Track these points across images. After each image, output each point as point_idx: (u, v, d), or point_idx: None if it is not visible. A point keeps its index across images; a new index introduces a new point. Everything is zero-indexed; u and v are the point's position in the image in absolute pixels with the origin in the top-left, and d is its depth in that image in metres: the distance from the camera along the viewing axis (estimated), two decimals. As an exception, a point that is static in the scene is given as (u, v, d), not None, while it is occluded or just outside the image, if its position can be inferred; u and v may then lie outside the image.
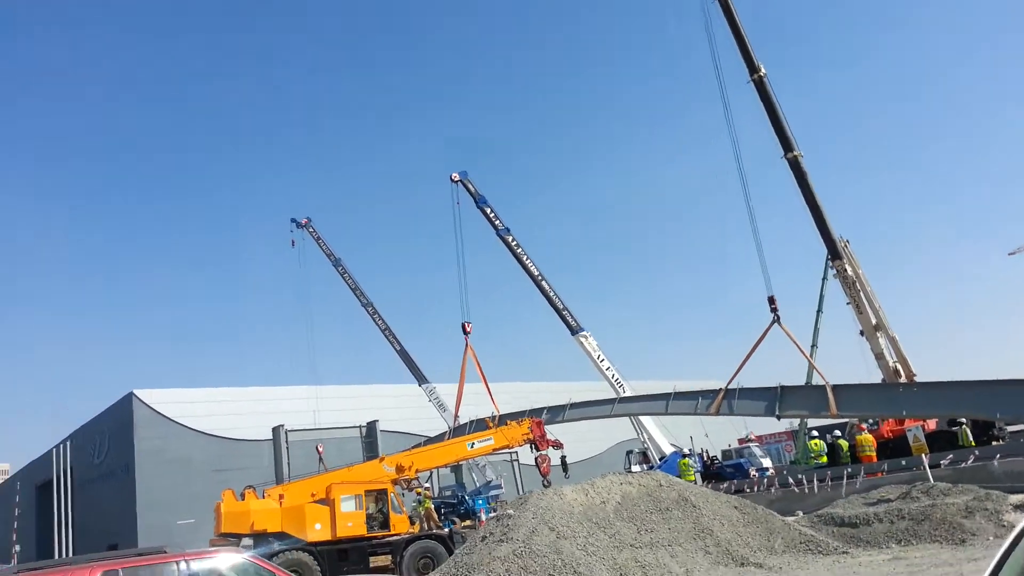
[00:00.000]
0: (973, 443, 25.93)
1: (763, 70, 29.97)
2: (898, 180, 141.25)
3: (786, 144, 30.09)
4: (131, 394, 54.28)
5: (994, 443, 26.01)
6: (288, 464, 53.62)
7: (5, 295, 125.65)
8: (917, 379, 29.90)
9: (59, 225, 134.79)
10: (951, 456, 21.84)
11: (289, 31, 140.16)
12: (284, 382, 62.41)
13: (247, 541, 21.12)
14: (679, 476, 26.52)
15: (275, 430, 56.15)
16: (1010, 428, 27.74)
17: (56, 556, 52.61)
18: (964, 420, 27.17)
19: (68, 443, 60.49)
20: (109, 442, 57.53)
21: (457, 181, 43.97)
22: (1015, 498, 17.27)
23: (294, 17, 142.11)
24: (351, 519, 21.70)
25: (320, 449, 50.12)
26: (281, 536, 20.85)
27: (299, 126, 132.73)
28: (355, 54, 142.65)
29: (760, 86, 29.95)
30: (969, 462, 20.89)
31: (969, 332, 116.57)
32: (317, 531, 21.16)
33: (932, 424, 28.77)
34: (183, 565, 9.10)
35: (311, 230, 53.97)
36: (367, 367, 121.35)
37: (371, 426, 61.16)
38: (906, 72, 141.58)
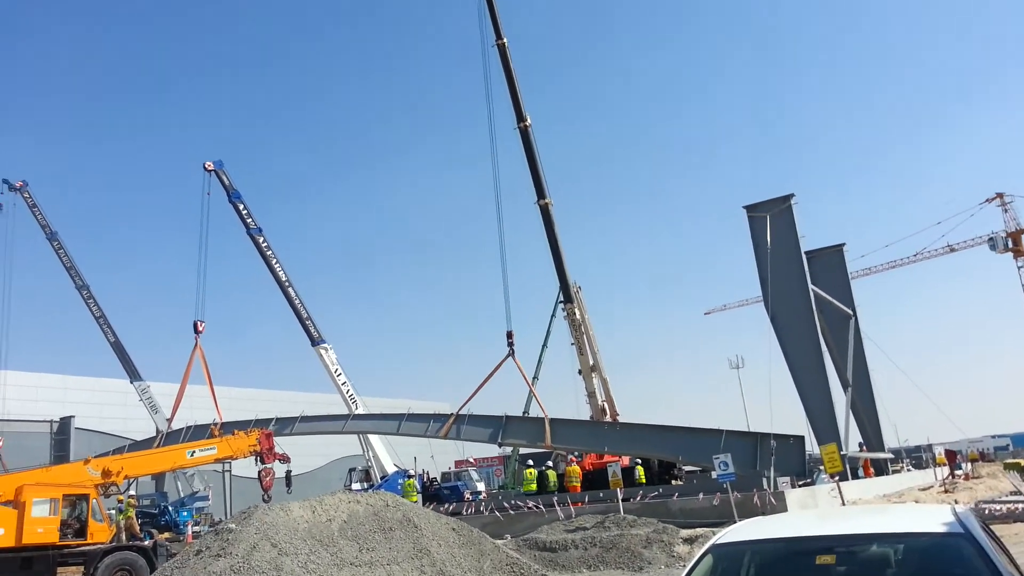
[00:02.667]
0: (644, 480, 29.67)
1: (529, 120, 32.28)
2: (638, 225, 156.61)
3: (540, 191, 32.63)
4: None
5: (673, 482, 30.08)
6: (-46, 457, 46.59)
7: None
8: (620, 419, 33.68)
9: None
10: (640, 492, 24.88)
11: None
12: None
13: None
14: (402, 496, 27.30)
15: (-57, 416, 48.57)
16: (686, 468, 32.14)
17: None
18: (639, 460, 31.09)
19: None
20: None
21: (211, 171, 41.88)
22: (685, 532, 20.18)
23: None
24: (42, 524, 19.62)
25: (-1, 444, 44.26)
26: (-49, 541, 18.32)
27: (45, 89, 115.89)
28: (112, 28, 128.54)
29: (524, 135, 32.22)
30: (650, 498, 23.97)
31: (673, 384, 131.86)
32: (-1, 536, 18.90)
33: (625, 461, 32.42)
34: None
35: (26, 195, 48.09)
36: (70, 358, 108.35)
37: (65, 422, 55.22)
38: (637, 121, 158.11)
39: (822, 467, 25.71)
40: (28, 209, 48.51)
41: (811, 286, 29.19)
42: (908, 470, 42.61)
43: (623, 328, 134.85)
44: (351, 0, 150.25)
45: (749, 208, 29.88)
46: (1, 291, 45.47)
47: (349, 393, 41.56)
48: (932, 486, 33.62)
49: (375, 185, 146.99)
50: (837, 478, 23.05)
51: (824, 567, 4.16)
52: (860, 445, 35.97)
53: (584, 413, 34.91)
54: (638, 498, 24.35)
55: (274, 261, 42.49)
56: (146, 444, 40.13)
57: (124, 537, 24.23)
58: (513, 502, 27.24)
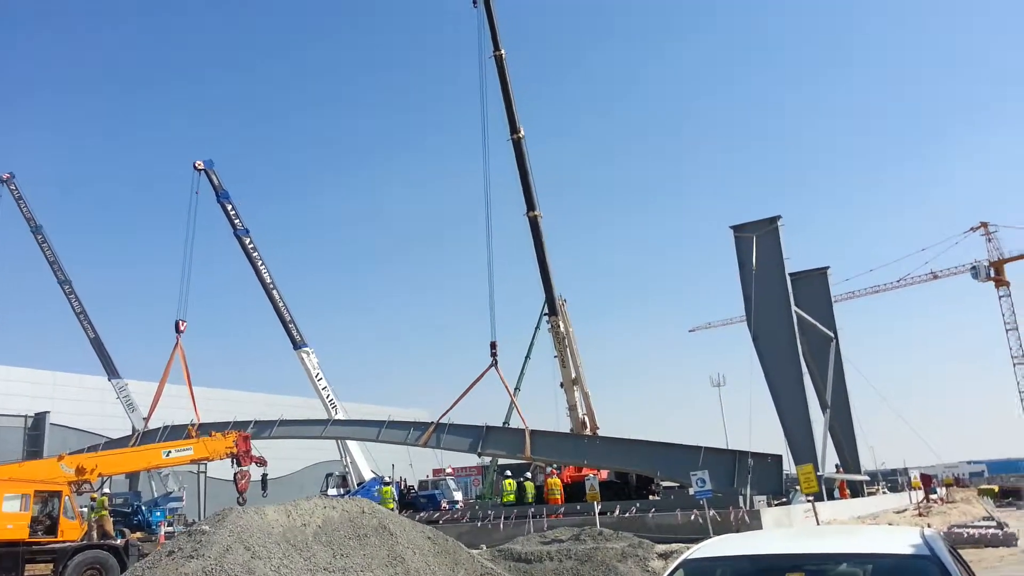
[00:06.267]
0: (599, 498, 29.05)
1: (522, 132, 32.32)
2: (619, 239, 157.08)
3: (530, 203, 32.67)
4: None
5: (651, 497, 30.09)
6: (-76, 450, 46.00)
7: None
8: (600, 433, 33.69)
9: None
10: (618, 506, 24.88)
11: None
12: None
13: None
14: (379, 503, 27.17)
15: (-87, 409, 48.04)
16: (664, 484, 32.19)
17: None
18: (592, 476, 30.96)
19: None
20: None
21: (201, 170, 41.81)
22: (661, 547, 20.17)
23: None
24: (12, 520, 19.42)
25: (-29, 437, 43.79)
26: (-83, 535, 18.08)
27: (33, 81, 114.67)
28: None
29: (517, 147, 32.25)
30: (630, 513, 23.98)
31: (655, 399, 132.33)
32: (-33, 532, 18.67)
33: (604, 474, 32.41)
34: None
35: (12, 188, 47.82)
36: (48, 353, 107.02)
37: (39, 417, 54.61)
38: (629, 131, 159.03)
39: (798, 487, 25.83)
40: (14, 202, 48.32)
41: (794, 307, 29.41)
42: (884, 493, 42.89)
43: (607, 342, 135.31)
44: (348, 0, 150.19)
45: (736, 228, 30.10)
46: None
47: (329, 398, 41.37)
48: (907, 509, 33.88)
49: (361, 189, 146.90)
50: (812, 498, 23.17)
51: None
52: (837, 467, 36.17)
53: (564, 426, 34.91)
54: (615, 512, 24.35)
55: (260, 263, 42.34)
56: (122, 442, 39.73)
57: (96, 536, 24.02)
58: (489, 513, 27.17)
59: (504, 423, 42.06)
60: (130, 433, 42.75)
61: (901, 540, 4.46)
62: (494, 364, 32.59)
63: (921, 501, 36.62)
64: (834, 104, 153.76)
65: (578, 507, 26.05)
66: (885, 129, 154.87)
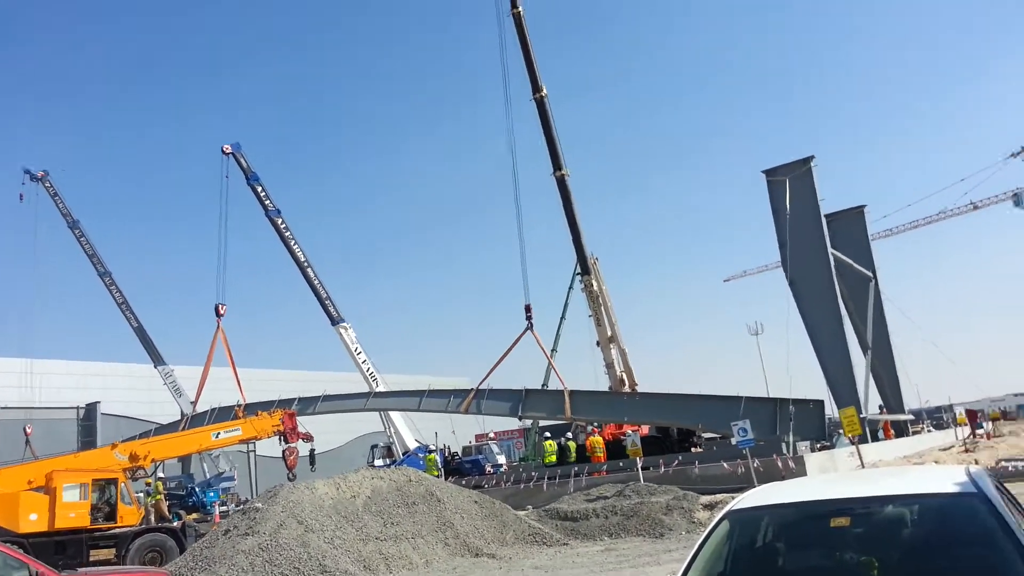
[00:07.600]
0: (640, 453, 28.65)
1: (544, 90, 32.10)
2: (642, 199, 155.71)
3: (556, 163, 32.52)
4: None
5: (693, 449, 30.18)
6: (-15, 445, 47.60)
7: None
8: (639, 389, 33.75)
9: None
10: (662, 460, 24.97)
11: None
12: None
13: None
14: (424, 471, 27.59)
15: (-28, 406, 49.63)
16: (706, 435, 32.24)
17: None
18: (629, 433, 30.97)
19: None
20: None
21: (229, 153, 42.12)
22: (706, 499, 20.29)
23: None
24: (73, 509, 20.06)
25: (29, 431, 45.18)
26: (-13, 527, 18.79)
27: (53, 77, 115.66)
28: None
29: (540, 106, 32.06)
30: (673, 466, 24.07)
31: (693, 352, 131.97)
32: (32, 522, 19.34)
33: (645, 430, 32.54)
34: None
35: (47, 185, 48.62)
36: (95, 344, 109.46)
37: (91, 408, 56.15)
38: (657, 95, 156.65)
39: (842, 430, 25.69)
40: (50, 199, 49.17)
41: (831, 249, 28.99)
42: (929, 431, 42.47)
43: (641, 298, 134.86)
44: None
45: (768, 172, 29.62)
46: (27, 280, 46.20)
47: (369, 371, 41.94)
48: (953, 446, 33.55)
49: (390, 164, 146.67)
50: (856, 441, 23.05)
51: (839, 529, 4.20)
52: (880, 408, 35.88)
53: (603, 384, 35.01)
54: (659, 467, 24.48)
55: (293, 243, 42.82)
56: (171, 427, 40.75)
57: (153, 519, 24.76)
58: (533, 474, 27.46)
59: (543, 385, 42.32)
60: (179, 418, 43.83)
61: (947, 479, 4.43)
62: (530, 327, 32.77)
63: (967, 437, 36.20)
64: (864, 37, 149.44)
65: (621, 464, 26.19)
66: (918, 57, 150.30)
